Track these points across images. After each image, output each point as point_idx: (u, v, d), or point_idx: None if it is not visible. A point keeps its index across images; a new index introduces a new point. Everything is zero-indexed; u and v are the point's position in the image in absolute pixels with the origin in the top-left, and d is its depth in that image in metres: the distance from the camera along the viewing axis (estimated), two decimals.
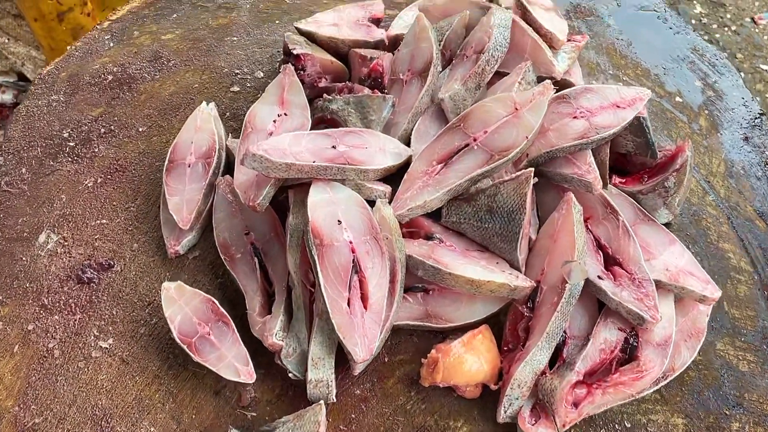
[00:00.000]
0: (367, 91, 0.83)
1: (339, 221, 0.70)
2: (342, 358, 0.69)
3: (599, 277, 0.73)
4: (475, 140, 0.75)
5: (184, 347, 0.70)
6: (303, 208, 0.72)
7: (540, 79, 0.83)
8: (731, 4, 1.99)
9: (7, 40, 1.63)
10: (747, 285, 0.79)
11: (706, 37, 1.90)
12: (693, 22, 1.95)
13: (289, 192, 0.76)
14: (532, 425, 0.68)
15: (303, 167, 0.71)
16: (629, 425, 0.71)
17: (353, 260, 0.68)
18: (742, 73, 1.89)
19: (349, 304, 0.67)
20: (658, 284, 0.72)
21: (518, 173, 0.71)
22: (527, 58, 0.84)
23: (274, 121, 0.79)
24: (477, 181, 0.73)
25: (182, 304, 0.72)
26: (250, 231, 0.77)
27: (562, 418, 0.68)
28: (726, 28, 1.98)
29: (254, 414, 0.71)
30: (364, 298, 0.68)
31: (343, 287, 0.67)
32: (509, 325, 0.73)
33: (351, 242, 0.69)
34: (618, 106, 0.77)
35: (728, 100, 0.92)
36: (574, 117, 0.77)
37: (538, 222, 0.78)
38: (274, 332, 0.68)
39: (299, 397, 0.72)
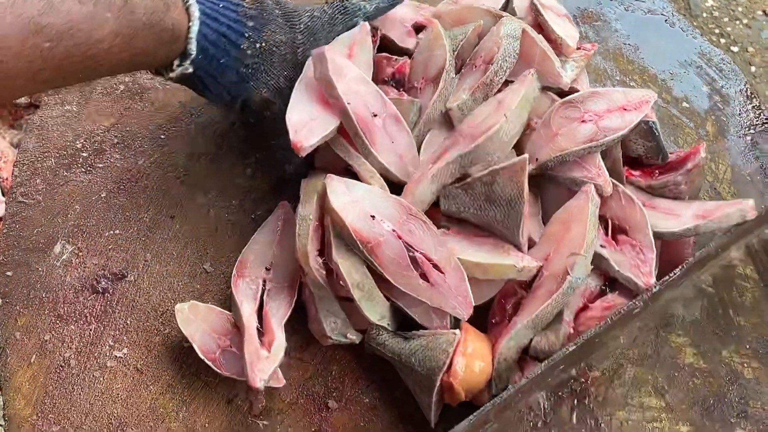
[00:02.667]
0: (393, 93, 0.83)
1: (372, 216, 0.71)
2: None
3: (601, 245, 0.75)
4: (462, 136, 0.76)
5: (210, 364, 0.72)
6: (312, 198, 0.74)
7: (546, 89, 0.83)
8: None
9: None
10: (753, 293, 0.80)
11: (717, 31, 1.89)
12: (704, 15, 1.94)
13: (302, 182, 0.77)
14: None
15: (339, 98, 0.73)
16: None
17: (404, 244, 0.70)
18: (753, 67, 1.88)
19: (425, 278, 0.70)
20: (695, 230, 0.75)
21: (513, 161, 0.71)
22: (537, 69, 0.84)
23: None
24: (465, 166, 0.74)
25: (200, 322, 0.73)
26: (271, 269, 0.77)
27: None
28: (737, 21, 1.97)
29: (266, 423, 0.72)
30: (436, 267, 0.70)
31: (409, 270, 0.70)
32: (499, 300, 0.75)
33: (394, 230, 0.70)
34: (625, 109, 0.78)
35: (735, 106, 0.92)
36: (582, 121, 0.78)
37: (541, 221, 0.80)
38: (265, 378, 0.68)
39: (311, 406, 0.73)
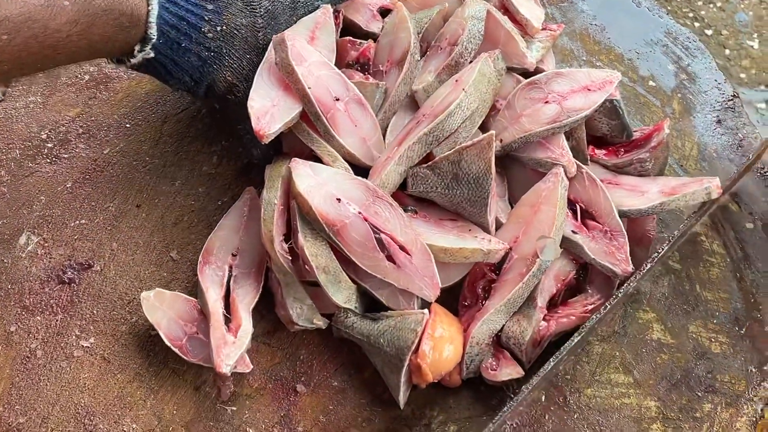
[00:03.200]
0: (358, 76, 0.83)
1: (338, 199, 0.70)
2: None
3: (573, 231, 0.75)
4: (424, 116, 0.76)
5: (177, 351, 0.71)
6: (276, 182, 0.73)
7: (512, 70, 0.83)
8: None
9: None
10: (720, 267, 0.80)
11: (691, 15, 1.90)
12: None
13: (266, 168, 0.77)
14: (495, 371, 0.71)
15: (300, 83, 0.73)
16: (602, 410, 0.72)
17: (370, 226, 0.70)
18: (727, 50, 1.89)
19: (392, 260, 0.70)
20: (661, 207, 0.75)
21: (479, 138, 0.71)
22: (501, 50, 0.84)
23: None
24: (430, 145, 0.74)
25: (165, 309, 0.73)
26: (237, 255, 0.77)
27: (528, 355, 0.72)
28: (711, 5, 1.98)
29: (234, 408, 0.72)
30: (402, 248, 0.70)
31: (376, 252, 0.70)
32: (468, 282, 0.75)
33: (360, 212, 0.70)
34: (589, 89, 0.78)
35: (701, 83, 0.93)
36: (546, 102, 0.78)
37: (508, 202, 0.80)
38: (231, 363, 0.68)
39: (279, 390, 0.73)
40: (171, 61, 0.74)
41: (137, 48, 0.72)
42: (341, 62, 0.85)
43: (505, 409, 0.66)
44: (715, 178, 0.75)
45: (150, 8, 0.70)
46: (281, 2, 0.78)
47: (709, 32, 1.91)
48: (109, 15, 0.67)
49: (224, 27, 0.74)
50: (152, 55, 0.72)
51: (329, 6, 0.82)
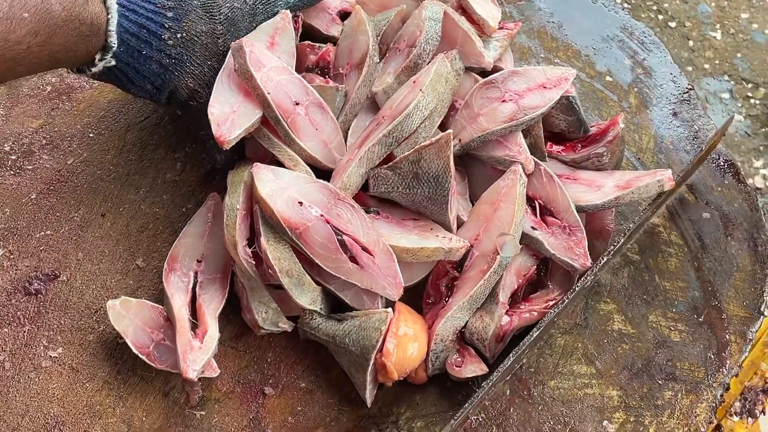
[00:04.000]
0: (319, 80, 0.84)
1: (300, 202, 0.71)
2: None
3: (532, 227, 0.76)
4: (383, 118, 0.77)
5: (144, 358, 0.72)
6: (238, 187, 0.74)
7: (470, 70, 0.84)
8: None
9: None
10: (677, 258, 0.82)
11: (654, 8, 1.93)
12: None
13: (229, 173, 0.78)
14: (459, 367, 0.73)
15: (259, 89, 0.74)
16: (566, 401, 0.74)
17: (332, 229, 0.71)
18: (691, 42, 1.92)
19: (355, 261, 0.71)
20: (616, 201, 0.76)
21: (437, 137, 0.72)
22: (459, 50, 0.85)
23: None
24: (390, 146, 0.75)
25: (132, 317, 0.74)
26: (202, 261, 0.77)
27: (492, 351, 0.74)
28: None
29: (203, 413, 0.73)
30: (365, 249, 0.71)
31: (338, 253, 0.71)
32: (432, 280, 0.77)
33: (322, 215, 0.71)
34: (545, 87, 0.79)
35: (657, 77, 0.95)
36: (503, 101, 0.79)
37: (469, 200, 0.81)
38: (198, 368, 0.69)
39: (247, 394, 0.74)
40: (132, 69, 0.74)
41: (98, 57, 0.72)
42: (301, 66, 0.86)
43: (467, 405, 0.68)
44: (668, 170, 0.76)
45: (110, 17, 0.71)
46: (240, 9, 0.79)
47: (672, 24, 1.94)
48: (69, 25, 0.67)
49: (184, 34, 0.74)
50: (113, 63, 0.73)
51: (288, 12, 0.82)
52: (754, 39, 1.95)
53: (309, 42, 0.87)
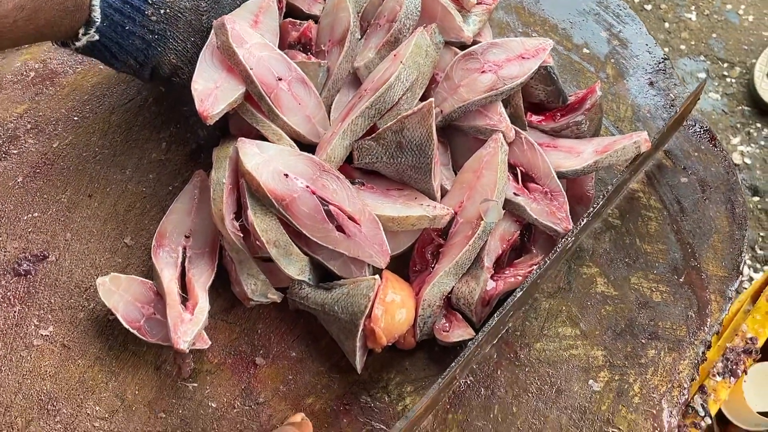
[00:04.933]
0: (301, 56, 0.84)
1: (286, 174, 0.72)
2: None
3: (515, 194, 0.78)
4: (366, 91, 0.78)
5: (135, 332, 0.73)
6: (224, 162, 0.75)
7: (450, 44, 0.85)
8: None
9: None
10: (657, 221, 0.84)
11: None
12: None
13: (214, 150, 0.79)
14: (447, 332, 0.74)
15: (242, 64, 0.75)
16: (552, 362, 0.75)
17: (318, 199, 0.72)
18: (666, 23, 1.94)
19: (341, 230, 0.72)
20: (595, 165, 0.78)
21: (420, 106, 0.73)
22: (439, 25, 0.87)
23: None
24: (373, 118, 0.76)
25: (122, 293, 0.74)
26: (190, 236, 0.78)
27: (478, 315, 0.75)
28: None
29: (195, 385, 0.74)
30: (351, 218, 0.72)
31: (325, 224, 0.72)
32: (418, 248, 0.78)
33: (308, 186, 0.72)
34: (523, 57, 0.81)
35: (633, 48, 0.96)
36: (482, 71, 0.81)
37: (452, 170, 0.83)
38: (189, 339, 0.70)
39: (239, 364, 0.75)
40: (115, 44, 0.75)
41: (81, 31, 0.73)
42: (283, 44, 0.87)
43: (453, 365, 0.69)
44: (644, 132, 0.78)
45: None
46: None
47: (648, 7, 1.96)
48: (55, 0, 0.68)
49: (168, 10, 0.75)
50: (97, 38, 0.73)
51: None
52: (729, 19, 1.97)
53: (290, 19, 0.88)
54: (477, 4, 0.90)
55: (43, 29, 0.69)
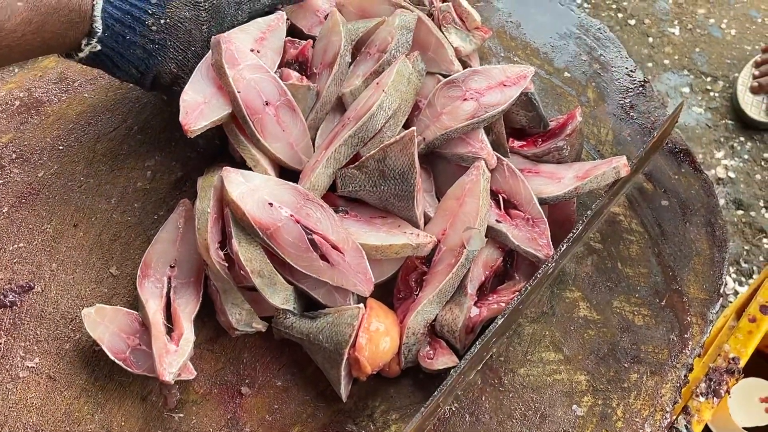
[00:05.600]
0: (294, 77, 0.84)
1: (270, 204, 0.73)
2: None
3: (497, 221, 0.79)
4: (349, 119, 0.79)
5: (121, 363, 0.73)
6: (208, 192, 0.76)
7: (443, 76, 0.86)
8: None
9: None
10: (638, 245, 0.85)
11: (614, 6, 1.97)
12: None
13: (198, 179, 0.80)
14: (431, 360, 0.75)
15: (230, 86, 0.76)
16: (536, 387, 0.76)
17: (302, 228, 0.72)
18: (650, 38, 1.96)
19: (325, 259, 0.72)
20: (576, 191, 0.79)
21: (401, 134, 0.74)
22: (431, 56, 0.88)
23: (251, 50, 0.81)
24: (356, 146, 0.77)
25: (107, 324, 0.75)
26: (175, 266, 0.78)
27: (462, 342, 0.76)
28: None
29: (181, 415, 0.74)
30: (335, 247, 0.73)
31: (309, 252, 0.72)
32: (401, 276, 0.79)
33: (292, 215, 0.73)
34: (504, 85, 0.82)
35: (613, 72, 0.97)
36: (464, 99, 0.82)
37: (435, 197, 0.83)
38: (174, 371, 0.70)
39: (224, 394, 0.75)
40: (117, 54, 0.76)
41: (84, 42, 0.74)
42: (281, 61, 0.88)
43: (436, 392, 0.69)
44: (623, 157, 0.79)
45: (95, 2, 0.74)
46: None
47: (632, 22, 1.98)
48: (60, 12, 0.71)
49: (168, 20, 0.76)
50: (99, 48, 0.75)
51: (284, 13, 0.85)
52: (712, 33, 2.00)
53: (290, 38, 0.88)
54: (475, 29, 0.91)
55: (50, 41, 0.71)
